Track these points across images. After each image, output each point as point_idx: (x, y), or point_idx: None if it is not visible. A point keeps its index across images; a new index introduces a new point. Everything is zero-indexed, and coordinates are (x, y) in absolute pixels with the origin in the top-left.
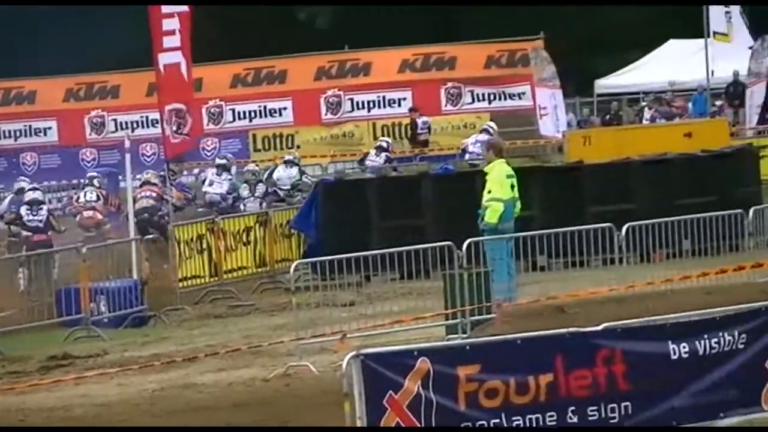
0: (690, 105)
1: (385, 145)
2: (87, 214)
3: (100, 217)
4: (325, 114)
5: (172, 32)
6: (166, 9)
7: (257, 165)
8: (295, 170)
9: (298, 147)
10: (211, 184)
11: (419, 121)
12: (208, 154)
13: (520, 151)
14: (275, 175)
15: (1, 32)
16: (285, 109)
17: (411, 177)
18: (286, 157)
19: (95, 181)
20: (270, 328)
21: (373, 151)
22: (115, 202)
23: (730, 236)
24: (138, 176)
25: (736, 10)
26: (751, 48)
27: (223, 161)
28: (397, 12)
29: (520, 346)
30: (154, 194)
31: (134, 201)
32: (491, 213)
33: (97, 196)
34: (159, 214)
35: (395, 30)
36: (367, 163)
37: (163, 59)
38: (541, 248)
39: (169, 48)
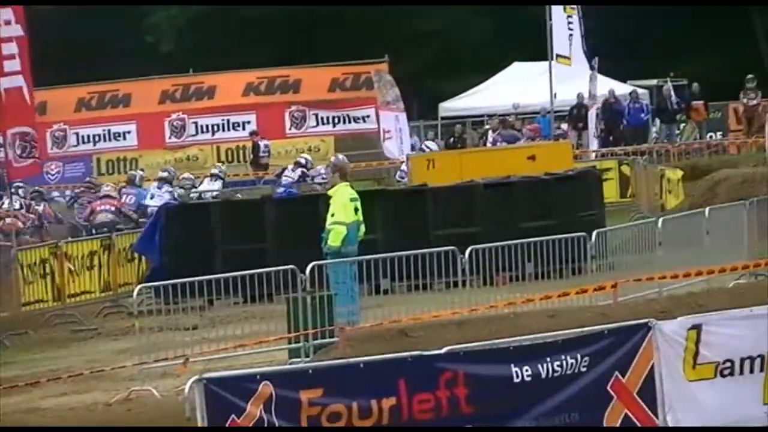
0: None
1: (303, 161)
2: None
3: (20, 224)
4: (169, 137)
5: (12, 56)
6: (3, 33)
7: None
8: (219, 184)
9: (142, 170)
10: (152, 197)
11: (261, 144)
12: (52, 178)
13: (365, 174)
14: (201, 188)
15: None
16: (129, 132)
17: (254, 201)
18: (212, 171)
19: (20, 191)
20: (113, 352)
21: (290, 167)
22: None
23: (572, 259)
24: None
25: (577, 32)
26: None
27: (165, 174)
28: (241, 35)
29: (362, 369)
30: (112, 208)
31: (93, 214)
32: (334, 236)
33: (20, 204)
34: (117, 228)
35: (240, 53)
36: (283, 179)
37: (5, 83)
38: (384, 271)
39: (10, 72)
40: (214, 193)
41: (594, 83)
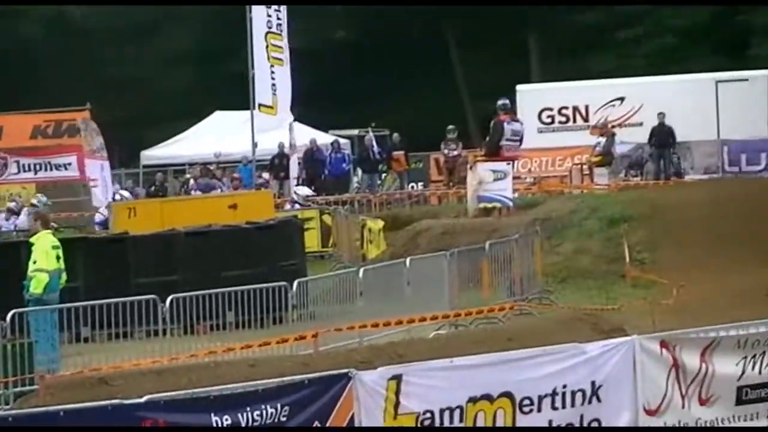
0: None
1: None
2: None
3: None
4: None
5: None
6: None
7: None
8: None
9: None
10: None
11: None
12: None
13: (68, 222)
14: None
15: None
16: None
17: None
18: (33, 201)
19: None
20: None
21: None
22: None
23: (274, 308)
24: None
25: (281, 82)
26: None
27: (12, 204)
28: None
29: (63, 418)
30: None
31: None
32: (36, 283)
33: None
34: None
35: None
36: None
37: None
38: (85, 319)
39: None
40: None
41: (292, 133)
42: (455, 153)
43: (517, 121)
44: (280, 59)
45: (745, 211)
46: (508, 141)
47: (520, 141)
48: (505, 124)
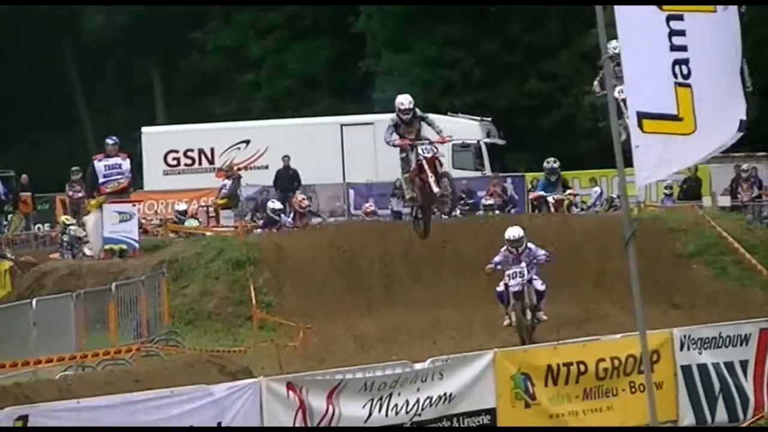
0: None
1: None
2: None
3: None
4: None
5: None
6: None
7: None
8: None
9: None
10: None
11: None
12: None
13: None
14: None
15: None
16: None
17: None
18: None
19: None
20: None
21: None
22: None
23: None
24: None
25: None
26: None
27: None
28: None
29: None
30: None
31: None
32: None
33: None
34: None
35: None
36: None
37: None
38: None
39: None
40: None
41: None
42: (80, 194)
43: (113, 156)
44: None
45: (379, 253)
46: (106, 178)
47: (125, 174)
48: (95, 162)
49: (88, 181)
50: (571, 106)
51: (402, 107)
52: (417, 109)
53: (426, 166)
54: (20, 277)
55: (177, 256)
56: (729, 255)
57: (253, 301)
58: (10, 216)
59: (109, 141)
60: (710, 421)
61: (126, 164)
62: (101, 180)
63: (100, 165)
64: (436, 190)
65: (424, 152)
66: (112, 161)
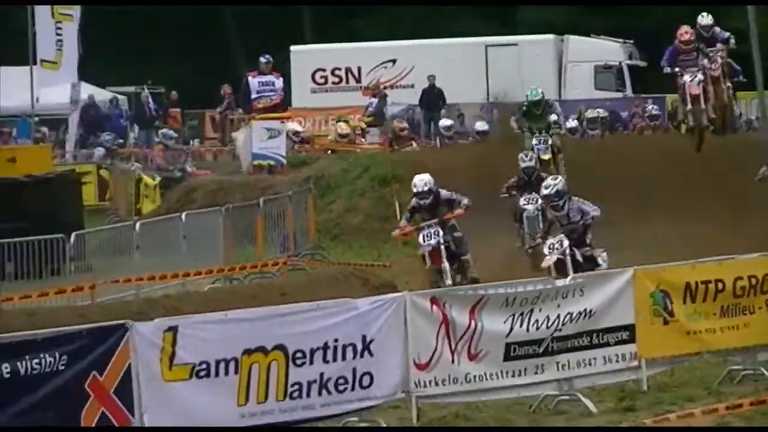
0: (15, 130)
1: None
2: None
3: None
4: None
5: None
6: None
7: None
8: None
9: None
10: None
11: None
12: None
13: None
14: None
15: None
16: None
17: None
18: None
19: None
20: None
21: None
22: None
23: (52, 260)
24: None
25: (68, 38)
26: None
27: None
28: None
29: None
30: None
31: None
32: None
33: None
34: None
35: None
36: None
37: None
38: None
39: None
40: None
41: (75, 89)
42: (228, 111)
43: (267, 74)
44: (69, 15)
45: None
46: (259, 94)
47: (278, 92)
48: (249, 78)
49: (241, 97)
50: None
51: (415, 189)
52: (442, 190)
53: (428, 258)
54: (170, 192)
55: (323, 172)
56: None
57: (398, 218)
58: (160, 132)
59: (262, 59)
60: None
61: (279, 82)
62: (254, 95)
63: (254, 81)
64: (448, 282)
65: (426, 239)
66: (265, 78)
